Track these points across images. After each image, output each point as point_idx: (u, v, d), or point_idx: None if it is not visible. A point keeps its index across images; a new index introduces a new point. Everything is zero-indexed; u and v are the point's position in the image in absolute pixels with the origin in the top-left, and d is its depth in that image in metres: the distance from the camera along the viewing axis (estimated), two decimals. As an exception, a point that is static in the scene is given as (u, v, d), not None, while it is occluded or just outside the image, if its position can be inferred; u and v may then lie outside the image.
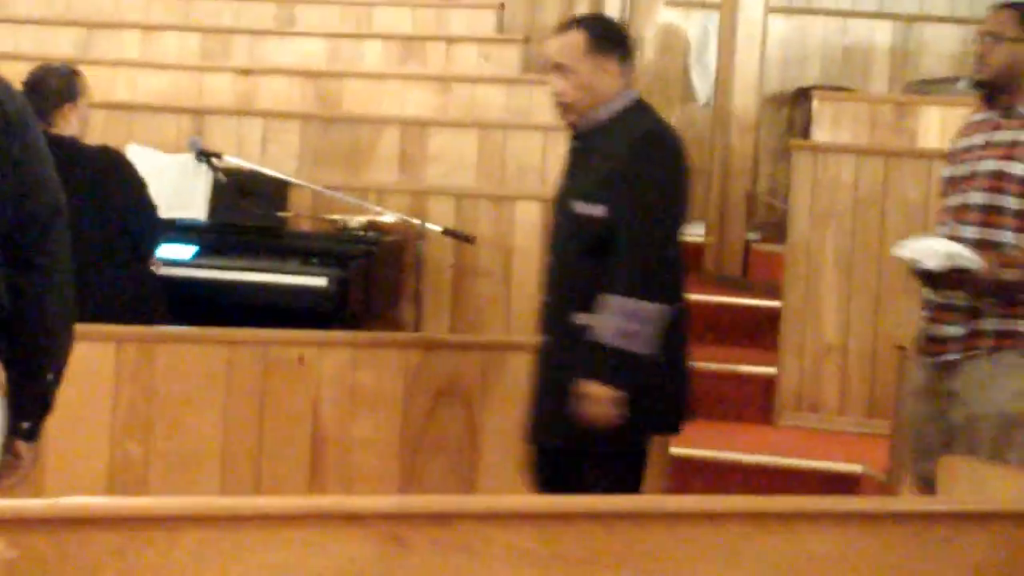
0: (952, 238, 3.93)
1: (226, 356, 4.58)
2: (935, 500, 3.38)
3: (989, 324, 3.89)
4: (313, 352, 4.65)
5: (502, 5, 9.17)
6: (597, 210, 3.85)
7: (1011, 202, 3.88)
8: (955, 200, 4.01)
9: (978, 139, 4.04)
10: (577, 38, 3.94)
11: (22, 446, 2.85)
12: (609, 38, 3.99)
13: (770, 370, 6.25)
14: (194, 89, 7.70)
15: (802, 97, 8.92)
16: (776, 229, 7.59)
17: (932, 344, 4.00)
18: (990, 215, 3.91)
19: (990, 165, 3.94)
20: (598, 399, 3.78)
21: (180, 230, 5.61)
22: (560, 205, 4.03)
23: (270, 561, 2.35)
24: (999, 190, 3.90)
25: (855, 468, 5.51)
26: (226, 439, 4.59)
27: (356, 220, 5.87)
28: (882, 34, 9.59)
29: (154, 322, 4.86)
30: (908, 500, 3.82)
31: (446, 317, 6.08)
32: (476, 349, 4.54)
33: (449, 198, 6.17)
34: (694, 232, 7.24)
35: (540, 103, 7.28)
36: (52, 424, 3.97)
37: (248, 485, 4.63)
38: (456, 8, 9.03)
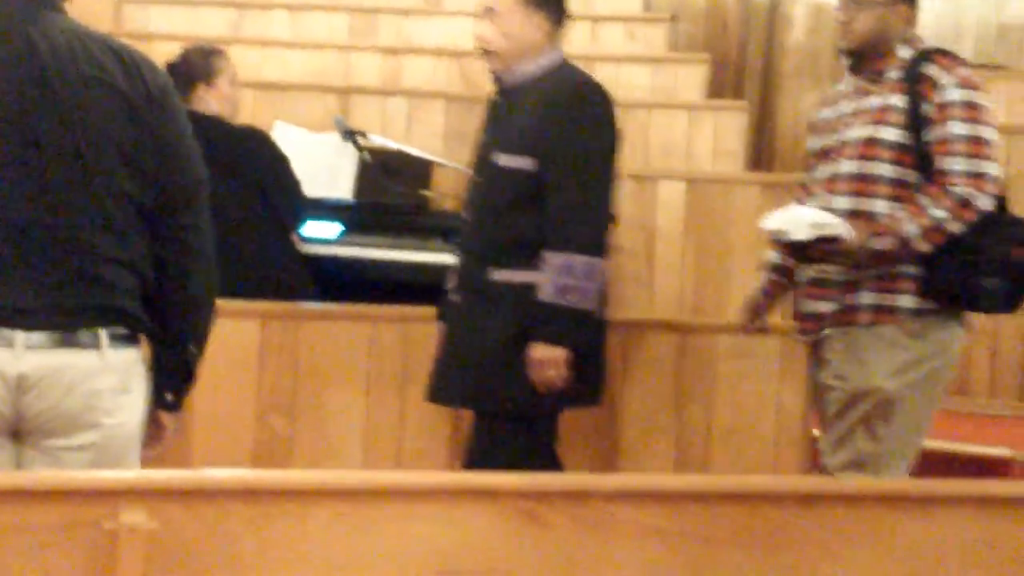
0: (823, 210, 3.78)
1: (369, 333, 4.62)
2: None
3: (866, 298, 3.77)
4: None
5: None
6: (525, 163, 3.75)
7: (884, 169, 3.75)
8: (824, 171, 3.87)
9: (846, 107, 3.90)
10: None
11: (165, 417, 2.90)
12: None
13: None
14: (341, 68, 7.76)
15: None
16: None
17: (806, 321, 3.90)
18: (862, 184, 3.77)
19: (861, 132, 3.80)
20: (546, 361, 3.70)
21: (326, 208, 5.66)
22: (480, 160, 3.92)
23: (405, 535, 2.36)
24: (871, 157, 3.76)
25: (1005, 452, 5.39)
26: (368, 415, 4.64)
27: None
28: (1040, 10, 9.34)
29: (299, 299, 4.92)
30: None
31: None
32: (618, 327, 4.51)
33: (592, 177, 6.13)
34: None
35: (686, 82, 7.23)
36: (199, 398, 4.08)
37: (390, 460, 4.67)
38: (602, -13, 8.98)
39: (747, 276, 5.37)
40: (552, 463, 3.97)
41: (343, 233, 5.65)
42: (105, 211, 2.71)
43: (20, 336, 2.63)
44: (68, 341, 2.68)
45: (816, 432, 4.17)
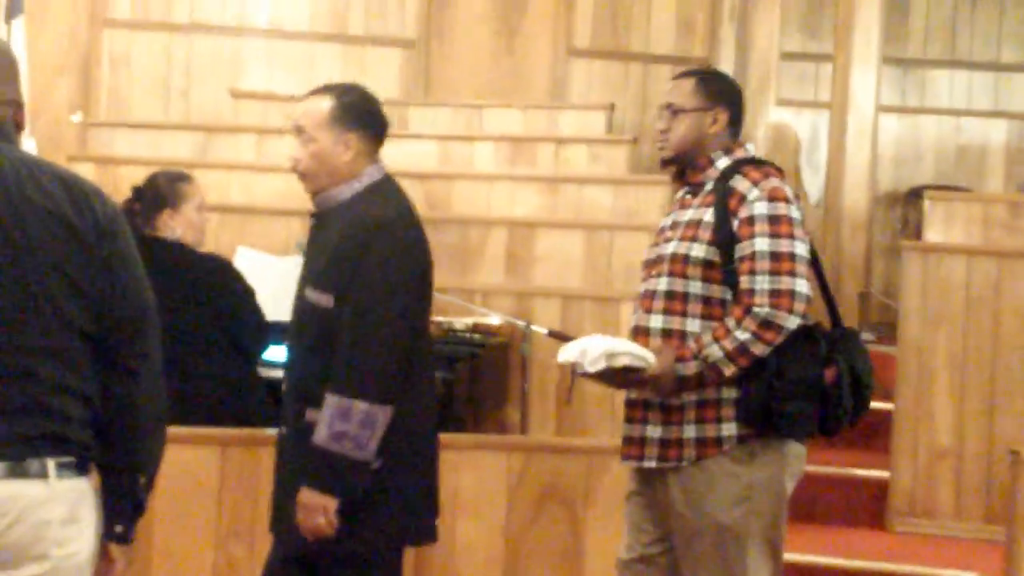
0: (638, 328, 3.68)
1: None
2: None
3: (689, 431, 3.60)
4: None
5: (612, 106, 9.22)
6: (325, 299, 3.58)
7: (694, 287, 3.60)
8: (645, 285, 3.73)
9: (668, 220, 3.78)
10: (323, 104, 3.69)
11: (115, 549, 2.85)
12: (359, 110, 3.71)
13: (883, 474, 6.13)
14: (304, 192, 7.79)
15: (915, 196, 8.84)
16: (892, 330, 7.49)
17: (630, 446, 3.72)
18: (674, 302, 3.62)
19: (674, 248, 3.65)
20: (310, 507, 3.51)
21: (284, 332, 5.63)
22: (297, 291, 3.74)
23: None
24: (682, 275, 3.61)
25: (972, 576, 5.38)
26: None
27: (462, 322, 5.89)
28: (997, 132, 9.48)
29: (260, 425, 4.89)
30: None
31: (552, 420, 6.05)
32: (580, 453, 4.50)
33: (555, 299, 6.17)
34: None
35: (648, 203, 7.28)
36: (158, 525, 4.03)
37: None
38: (567, 109, 9.10)
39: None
40: None
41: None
42: (53, 340, 2.69)
43: (-29, 467, 2.61)
44: (16, 471, 2.64)
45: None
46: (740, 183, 3.60)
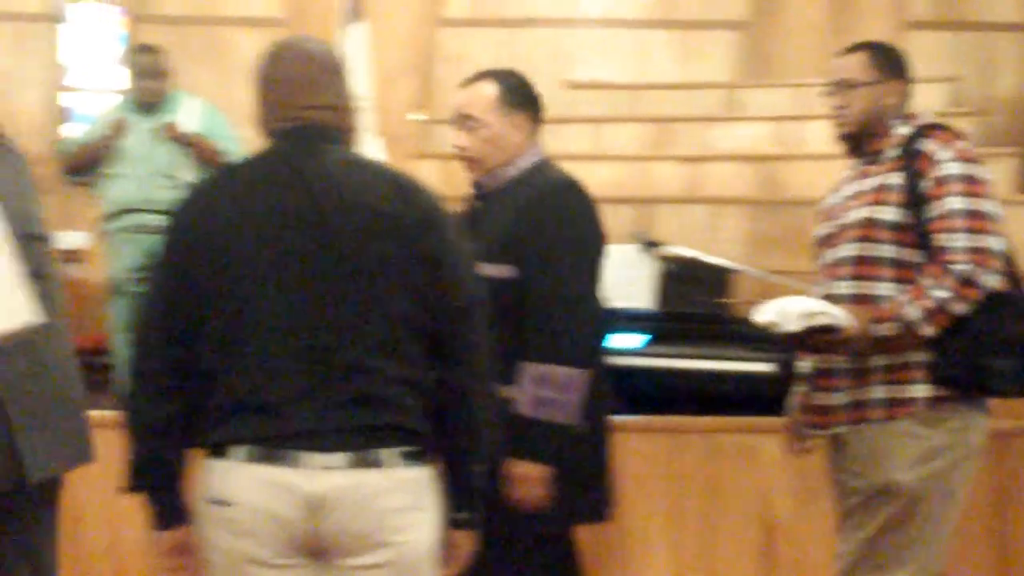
0: (828, 297, 3.57)
1: (669, 444, 4.61)
2: None
3: (877, 392, 3.53)
4: (761, 439, 4.62)
5: (954, 78, 8.93)
6: (505, 270, 3.55)
7: (884, 250, 3.52)
8: (828, 256, 3.65)
9: (847, 191, 3.70)
10: (489, 90, 3.72)
11: (459, 535, 2.93)
12: (522, 92, 3.75)
13: None
14: (641, 178, 7.84)
15: None
16: None
17: (816, 415, 3.66)
18: (863, 267, 3.55)
19: (859, 214, 3.57)
20: (526, 478, 3.47)
21: (628, 319, 5.69)
22: None
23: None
24: (870, 239, 3.53)
25: None
26: (672, 525, 4.62)
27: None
28: None
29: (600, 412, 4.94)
30: None
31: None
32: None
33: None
34: None
35: (995, 176, 7.03)
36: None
37: (699, 572, 4.63)
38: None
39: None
40: None
41: (648, 343, 5.66)
42: (386, 334, 2.79)
43: (316, 458, 2.72)
44: (360, 461, 2.74)
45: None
46: (928, 145, 3.57)
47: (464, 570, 2.98)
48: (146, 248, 6.18)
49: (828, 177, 7.24)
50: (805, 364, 3.74)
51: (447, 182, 6.64)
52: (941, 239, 3.49)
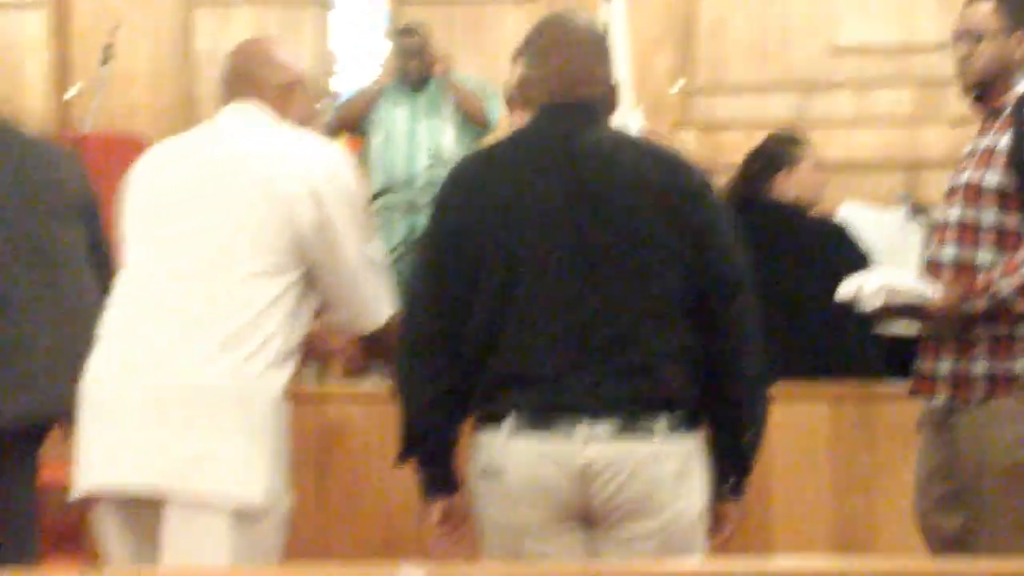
0: (931, 261, 3.40)
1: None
2: None
3: (979, 367, 3.31)
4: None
5: None
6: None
7: (988, 215, 3.29)
8: (940, 216, 3.44)
9: (969, 147, 3.43)
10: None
11: (727, 504, 2.96)
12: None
13: None
14: (907, 143, 7.67)
15: None
16: None
17: (921, 382, 3.48)
18: (966, 232, 3.33)
19: (969, 176, 3.34)
20: None
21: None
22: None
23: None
24: (975, 203, 3.30)
25: None
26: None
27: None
28: None
29: (872, 377, 4.86)
30: None
31: None
32: None
33: None
34: None
35: None
36: (777, 483, 4.11)
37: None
38: None
39: None
40: None
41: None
42: (654, 306, 2.83)
43: (588, 427, 2.77)
44: (629, 430, 2.79)
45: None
46: None
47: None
48: (407, 225, 6.32)
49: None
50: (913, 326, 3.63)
51: (708, 151, 6.62)
52: None
